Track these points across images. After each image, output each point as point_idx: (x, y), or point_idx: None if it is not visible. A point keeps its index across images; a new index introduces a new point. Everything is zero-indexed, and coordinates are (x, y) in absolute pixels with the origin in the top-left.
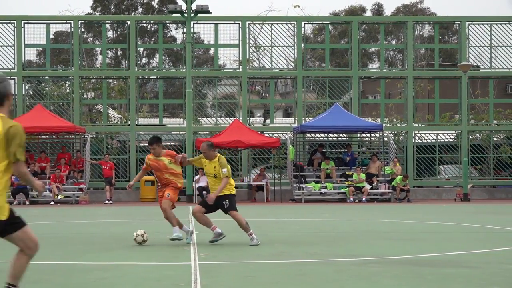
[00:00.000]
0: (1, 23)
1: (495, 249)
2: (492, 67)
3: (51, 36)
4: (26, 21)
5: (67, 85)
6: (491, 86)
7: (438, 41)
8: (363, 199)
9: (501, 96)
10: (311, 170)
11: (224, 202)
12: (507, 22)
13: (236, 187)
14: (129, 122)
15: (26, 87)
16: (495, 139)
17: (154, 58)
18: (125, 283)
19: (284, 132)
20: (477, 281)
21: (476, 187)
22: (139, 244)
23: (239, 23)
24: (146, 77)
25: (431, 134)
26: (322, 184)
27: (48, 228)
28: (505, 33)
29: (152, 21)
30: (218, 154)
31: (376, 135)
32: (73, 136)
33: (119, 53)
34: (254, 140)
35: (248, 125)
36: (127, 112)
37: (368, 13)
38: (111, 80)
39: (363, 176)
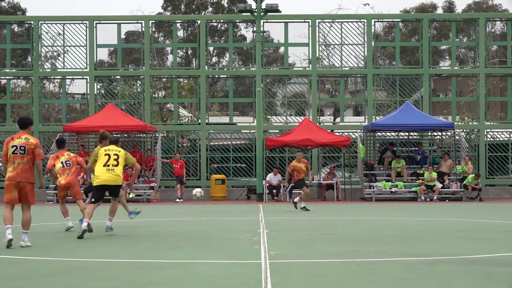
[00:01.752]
0: (74, 23)
1: None
2: None
3: (123, 36)
4: (98, 21)
5: (138, 84)
6: None
7: (511, 38)
8: (435, 198)
9: None
10: (382, 168)
11: None
12: None
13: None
14: (199, 121)
15: (98, 87)
16: None
17: (224, 57)
18: (195, 281)
19: (354, 130)
20: None
21: None
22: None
23: (308, 22)
24: (216, 76)
25: (503, 132)
26: (393, 182)
27: (119, 226)
28: None
29: (222, 20)
30: None
31: (448, 133)
32: (144, 135)
33: (189, 52)
34: (324, 138)
35: (318, 124)
36: (198, 111)
37: (439, 11)
38: (181, 79)
39: (434, 174)
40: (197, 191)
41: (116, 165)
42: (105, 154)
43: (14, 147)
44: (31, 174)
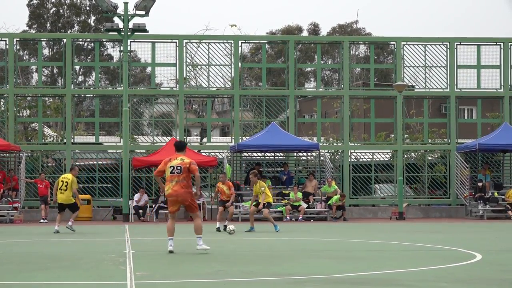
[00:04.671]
0: None
1: (430, 267)
2: (427, 87)
3: None
4: None
5: (1, 103)
6: (426, 106)
7: (374, 61)
8: (300, 218)
9: (436, 115)
10: (248, 188)
11: None
12: (441, 43)
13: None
14: (65, 141)
15: None
16: (429, 158)
17: (91, 76)
18: None
19: (221, 150)
20: None
21: (411, 206)
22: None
23: (176, 42)
24: (83, 95)
25: (366, 153)
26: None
27: None
28: (439, 54)
29: (88, 39)
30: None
31: (313, 154)
32: (7, 155)
33: (55, 71)
34: (191, 159)
35: None
36: (63, 130)
37: (305, 33)
38: (47, 98)
39: (299, 195)
40: (230, 229)
41: None
42: None
43: (172, 168)
44: (189, 188)
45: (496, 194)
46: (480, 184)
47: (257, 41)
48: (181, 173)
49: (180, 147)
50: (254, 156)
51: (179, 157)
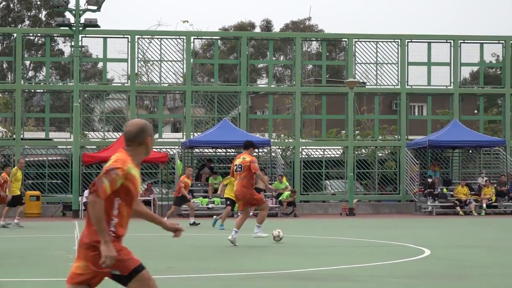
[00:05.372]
0: None
1: (380, 262)
2: (378, 84)
3: None
4: None
5: None
6: (377, 102)
7: (326, 58)
8: (250, 213)
9: (386, 112)
10: (199, 185)
11: None
12: (392, 40)
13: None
14: (14, 136)
15: None
16: (380, 154)
17: (41, 72)
18: None
19: (173, 147)
20: None
21: (362, 202)
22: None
23: (128, 37)
24: (33, 90)
25: (318, 150)
26: (210, 199)
27: None
28: (390, 51)
29: (39, 34)
30: None
31: (264, 150)
32: None
33: (4, 65)
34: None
35: None
36: (12, 126)
37: (257, 29)
38: None
39: None
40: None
41: None
42: None
43: (236, 166)
44: (249, 186)
45: (445, 190)
46: (429, 180)
47: (210, 37)
48: (241, 171)
49: (245, 145)
50: (205, 152)
51: (242, 156)
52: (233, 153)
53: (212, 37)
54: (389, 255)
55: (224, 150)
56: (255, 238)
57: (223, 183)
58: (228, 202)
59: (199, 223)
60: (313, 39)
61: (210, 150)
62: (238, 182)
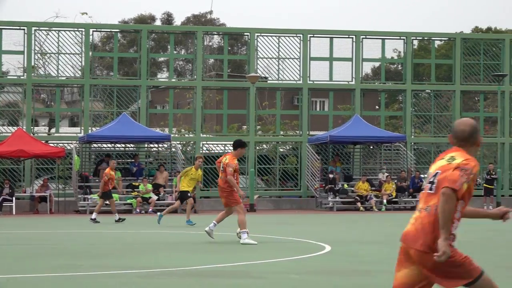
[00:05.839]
0: None
1: (281, 259)
2: (280, 79)
3: None
4: None
5: None
6: (278, 97)
7: (227, 52)
8: (150, 210)
9: (288, 107)
10: (97, 180)
11: None
12: (294, 35)
13: (18, 199)
14: None
15: None
16: (281, 150)
17: None
18: None
19: (70, 141)
20: None
21: (262, 198)
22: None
23: (24, 29)
24: None
25: (219, 145)
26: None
27: None
28: (292, 46)
29: None
30: None
31: (164, 145)
32: None
33: None
34: (38, 149)
35: (32, 134)
36: None
37: (158, 22)
38: None
39: (149, 186)
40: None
41: None
42: None
43: (221, 163)
44: (226, 185)
45: (345, 186)
46: (330, 176)
47: (109, 30)
48: (222, 171)
49: (233, 145)
50: (104, 147)
51: (226, 156)
52: (132, 148)
53: (112, 30)
54: (290, 251)
55: (123, 145)
56: (242, 244)
57: (179, 176)
58: (179, 195)
59: (124, 219)
60: (215, 33)
61: (109, 145)
62: (219, 179)
